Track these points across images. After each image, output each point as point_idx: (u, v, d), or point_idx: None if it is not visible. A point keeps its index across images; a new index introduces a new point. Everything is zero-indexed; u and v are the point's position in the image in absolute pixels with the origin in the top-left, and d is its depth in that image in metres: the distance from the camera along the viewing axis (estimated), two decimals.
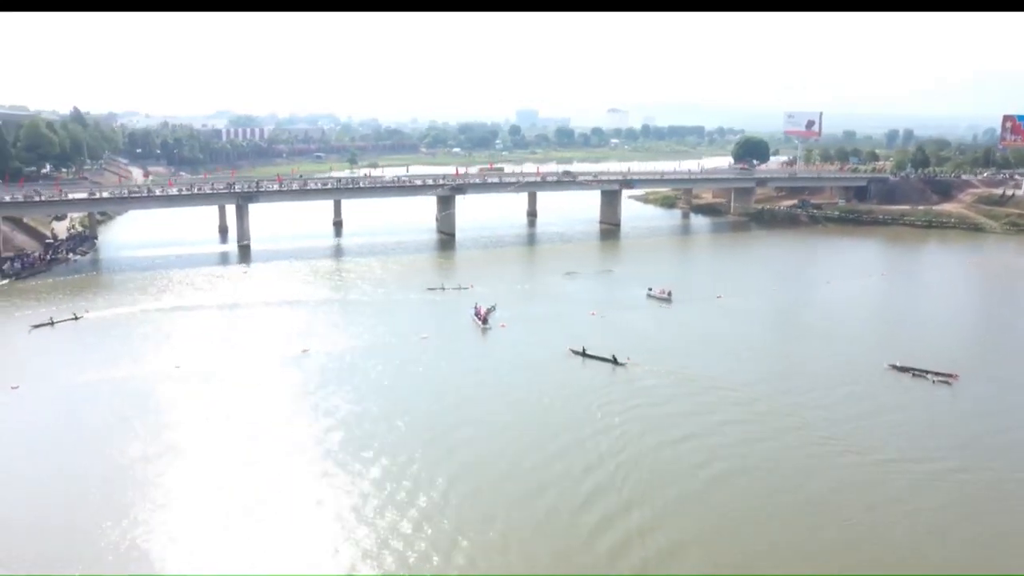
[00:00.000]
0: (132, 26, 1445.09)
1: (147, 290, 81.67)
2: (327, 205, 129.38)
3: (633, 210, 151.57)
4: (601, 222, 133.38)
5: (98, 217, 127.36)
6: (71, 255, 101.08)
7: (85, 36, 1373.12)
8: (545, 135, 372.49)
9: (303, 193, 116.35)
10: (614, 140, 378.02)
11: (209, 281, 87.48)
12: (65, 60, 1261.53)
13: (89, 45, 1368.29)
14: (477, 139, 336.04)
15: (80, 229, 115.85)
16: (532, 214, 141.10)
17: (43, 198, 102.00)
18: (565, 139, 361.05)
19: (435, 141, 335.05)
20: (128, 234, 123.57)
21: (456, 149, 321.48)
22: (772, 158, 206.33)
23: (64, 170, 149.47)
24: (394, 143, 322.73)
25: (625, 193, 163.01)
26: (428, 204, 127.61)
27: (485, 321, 69.17)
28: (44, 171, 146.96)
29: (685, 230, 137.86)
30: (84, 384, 53.63)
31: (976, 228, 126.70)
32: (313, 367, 57.73)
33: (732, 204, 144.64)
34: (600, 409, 49.64)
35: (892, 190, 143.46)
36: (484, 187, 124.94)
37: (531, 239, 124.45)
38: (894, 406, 51.06)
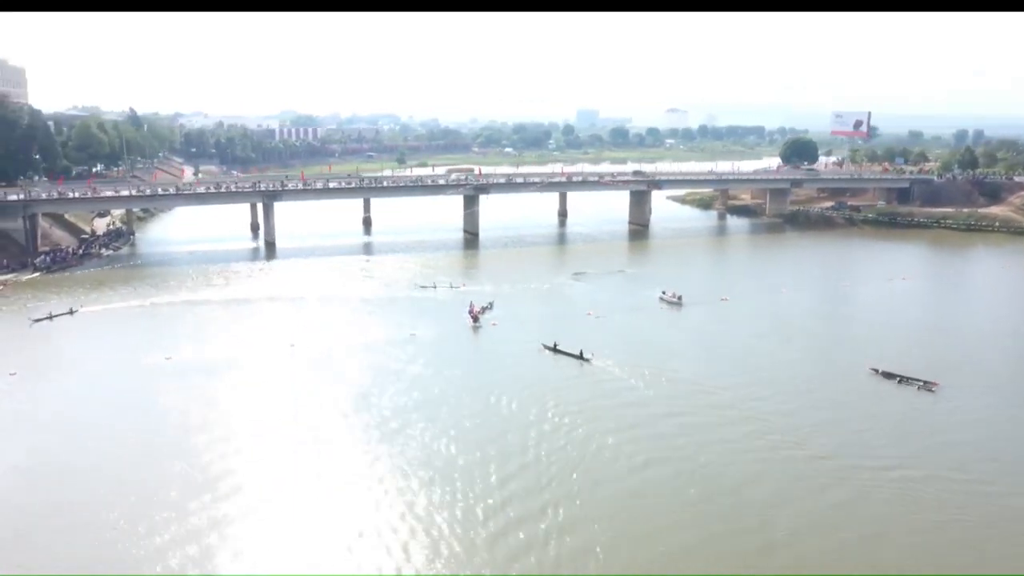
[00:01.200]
0: (203, 28, 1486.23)
1: (159, 285, 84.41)
2: (359, 204, 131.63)
3: (669, 211, 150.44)
4: (630, 223, 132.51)
5: (139, 214, 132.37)
6: (104, 250, 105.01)
7: (160, 38, 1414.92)
8: (599, 135, 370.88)
9: (327, 192, 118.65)
10: (669, 140, 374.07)
11: (224, 277, 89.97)
12: (141, 62, 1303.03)
13: (163, 47, 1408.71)
14: (530, 139, 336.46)
15: (119, 226, 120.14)
16: (563, 214, 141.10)
17: (75, 195, 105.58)
18: (620, 139, 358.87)
19: (488, 141, 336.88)
20: (166, 231, 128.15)
21: (508, 149, 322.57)
22: (823, 158, 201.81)
23: (114, 168, 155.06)
24: (447, 143, 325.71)
25: (664, 194, 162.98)
26: (457, 203, 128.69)
27: (476, 319, 69.63)
28: (95, 169, 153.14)
29: (716, 231, 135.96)
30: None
31: (1021, 232, 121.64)
32: (302, 360, 59.14)
33: (767, 205, 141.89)
34: (544, 400, 50.74)
35: (937, 192, 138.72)
36: (507, 187, 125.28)
37: (556, 239, 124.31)
38: (861, 411, 49.78)
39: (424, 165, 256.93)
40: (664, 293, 78.40)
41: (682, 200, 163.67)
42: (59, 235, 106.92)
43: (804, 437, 45.70)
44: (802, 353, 62.62)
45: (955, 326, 71.87)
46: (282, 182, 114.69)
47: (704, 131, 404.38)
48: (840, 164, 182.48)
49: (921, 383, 53.86)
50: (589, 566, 33.33)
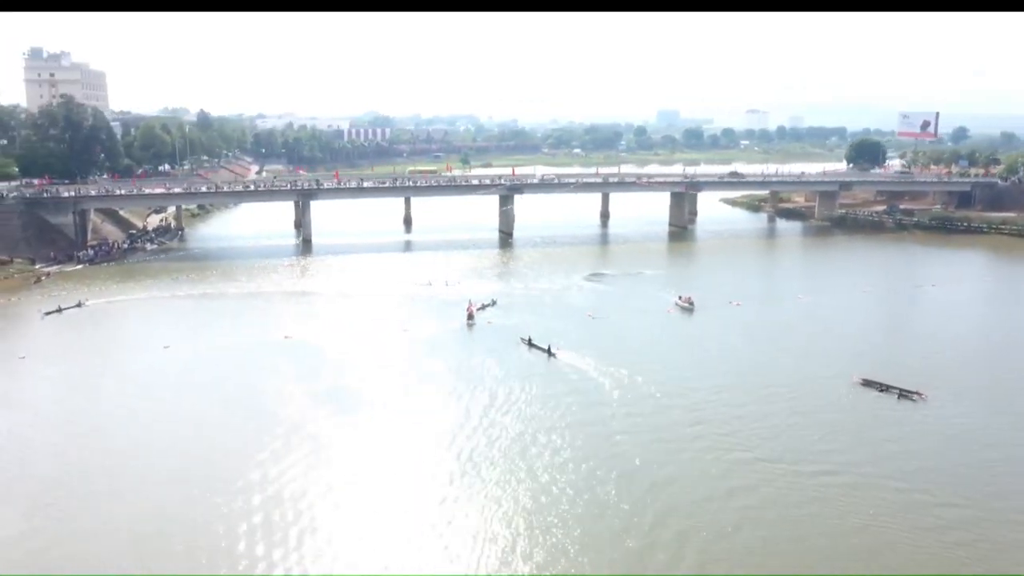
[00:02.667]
0: (296, 30, 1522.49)
1: (183, 279, 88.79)
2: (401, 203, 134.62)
3: (717, 213, 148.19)
4: (670, 225, 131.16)
5: (194, 211, 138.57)
6: (149, 245, 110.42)
7: (256, 41, 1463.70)
8: (672, 136, 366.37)
9: (360, 191, 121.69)
10: (744, 142, 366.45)
11: (248, 272, 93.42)
12: (238, 66, 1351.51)
13: (261, 50, 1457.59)
14: (600, 140, 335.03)
15: (171, 222, 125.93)
16: (605, 215, 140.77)
17: (122, 192, 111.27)
18: (693, 140, 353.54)
19: (558, 142, 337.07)
20: (216, 227, 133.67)
21: (577, 150, 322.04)
22: (893, 161, 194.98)
23: (177, 167, 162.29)
24: (516, 143, 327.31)
25: (717, 196, 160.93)
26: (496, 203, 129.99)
27: (471, 317, 70.64)
28: (162, 168, 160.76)
29: (759, 234, 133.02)
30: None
31: None
32: (296, 352, 61.19)
33: (816, 208, 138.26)
34: (493, 389, 52.88)
35: (1000, 196, 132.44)
36: (541, 187, 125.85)
37: (591, 240, 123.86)
38: (823, 418, 48.57)
39: (488, 166, 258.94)
40: (680, 298, 77.53)
41: (733, 202, 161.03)
42: (109, 230, 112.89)
43: (749, 440, 45.33)
44: (793, 360, 60.88)
45: (963, 334, 68.87)
46: (317, 181, 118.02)
47: (783, 132, 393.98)
48: (908, 167, 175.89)
49: (900, 392, 52.29)
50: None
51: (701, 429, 46.96)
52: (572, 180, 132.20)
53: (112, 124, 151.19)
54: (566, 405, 50.45)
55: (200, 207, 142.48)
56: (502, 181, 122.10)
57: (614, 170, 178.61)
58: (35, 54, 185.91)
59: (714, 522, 36.65)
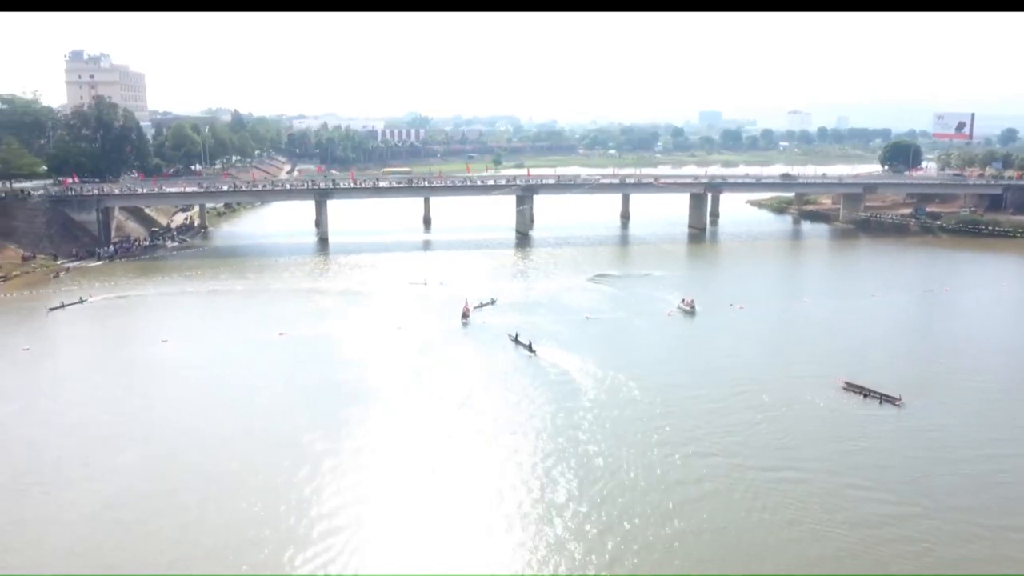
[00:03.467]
0: (335, 30, 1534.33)
1: (190, 275, 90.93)
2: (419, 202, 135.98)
3: (740, 215, 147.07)
4: (689, 226, 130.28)
5: (220, 209, 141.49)
6: (170, 242, 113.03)
7: (297, 41, 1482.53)
8: (709, 137, 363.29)
9: (376, 191, 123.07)
10: (784, 143, 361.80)
11: (257, 270, 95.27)
12: (280, 67, 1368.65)
13: (300, 50, 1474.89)
14: (636, 141, 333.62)
15: (195, 220, 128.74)
16: (625, 216, 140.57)
17: (143, 191, 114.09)
18: (731, 142, 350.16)
19: (593, 142, 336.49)
20: (239, 225, 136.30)
21: (611, 151, 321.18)
22: (930, 163, 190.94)
23: (209, 167, 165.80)
24: (551, 144, 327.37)
25: (744, 198, 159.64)
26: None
27: (465, 316, 71.21)
28: (194, 168, 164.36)
29: (779, 236, 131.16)
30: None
31: None
32: (287, 349, 62.50)
33: (840, 210, 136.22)
34: (469, 386, 53.90)
35: None
36: (556, 188, 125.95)
37: (607, 240, 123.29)
38: (790, 419, 48.12)
39: (520, 166, 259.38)
40: (683, 301, 77.07)
41: (759, 204, 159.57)
42: (133, 227, 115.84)
43: (711, 437, 45.51)
44: (781, 363, 60.25)
45: (964, 340, 67.14)
46: (334, 181, 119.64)
47: (824, 134, 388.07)
48: (942, 169, 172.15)
49: (881, 397, 51.59)
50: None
51: (666, 425, 47.15)
52: (587, 181, 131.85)
53: (145, 125, 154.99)
54: (537, 402, 50.80)
55: (227, 206, 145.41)
56: (517, 182, 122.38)
57: (643, 171, 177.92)
58: (75, 56, 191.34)
59: (645, 513, 36.98)
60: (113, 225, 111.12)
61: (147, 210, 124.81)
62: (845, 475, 41.09)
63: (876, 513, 37.35)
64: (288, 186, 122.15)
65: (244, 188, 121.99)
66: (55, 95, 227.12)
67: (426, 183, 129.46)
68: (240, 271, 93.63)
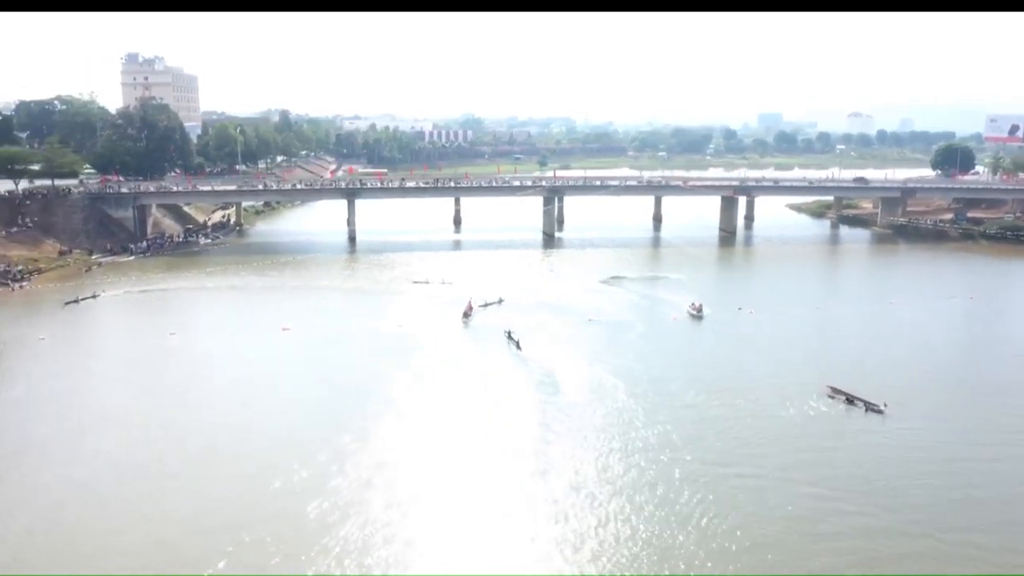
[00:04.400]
0: (394, 31, 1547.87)
1: (213, 271, 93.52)
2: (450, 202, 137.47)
3: (778, 218, 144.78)
4: (720, 229, 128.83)
5: (258, 208, 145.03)
6: (204, 239, 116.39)
7: (355, 42, 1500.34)
8: (763, 140, 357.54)
9: (402, 191, 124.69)
10: (840, 146, 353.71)
11: (279, 267, 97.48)
12: (336, 67, 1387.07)
13: (358, 51, 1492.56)
14: (687, 143, 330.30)
15: (233, 218, 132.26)
16: (657, 219, 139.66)
17: (177, 189, 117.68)
18: (785, 144, 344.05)
19: (643, 144, 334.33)
20: (274, 224, 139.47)
21: (661, 153, 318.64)
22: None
23: (252, 166, 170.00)
24: (601, 146, 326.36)
25: (783, 201, 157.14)
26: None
27: (466, 315, 71.90)
28: (239, 167, 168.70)
29: (813, 240, 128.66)
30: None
31: None
32: (295, 344, 63.91)
33: (879, 215, 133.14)
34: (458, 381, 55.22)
35: None
36: (583, 189, 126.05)
37: (634, 242, 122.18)
38: (772, 424, 47.56)
39: (566, 168, 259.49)
40: (692, 305, 76.40)
41: (798, 208, 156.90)
42: (169, 224, 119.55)
43: (677, 437, 45.43)
44: (774, 368, 59.31)
45: (970, 349, 65.55)
46: (361, 181, 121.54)
47: (883, 137, 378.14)
48: (996, 174, 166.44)
49: (865, 404, 50.61)
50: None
51: (634, 425, 47.15)
52: (615, 183, 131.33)
53: (191, 126, 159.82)
54: (511, 400, 51.49)
55: (266, 204, 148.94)
56: (543, 183, 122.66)
57: (676, 173, 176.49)
58: (131, 59, 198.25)
59: (584, 515, 37.23)
60: (150, 222, 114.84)
61: (185, 208, 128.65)
62: (799, 477, 40.77)
63: (830, 521, 37.04)
64: (318, 185, 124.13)
65: (274, 187, 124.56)
66: (112, 96, 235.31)
67: (452, 183, 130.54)
68: (261, 268, 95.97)
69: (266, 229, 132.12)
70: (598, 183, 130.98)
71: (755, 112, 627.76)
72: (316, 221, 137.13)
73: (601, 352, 61.73)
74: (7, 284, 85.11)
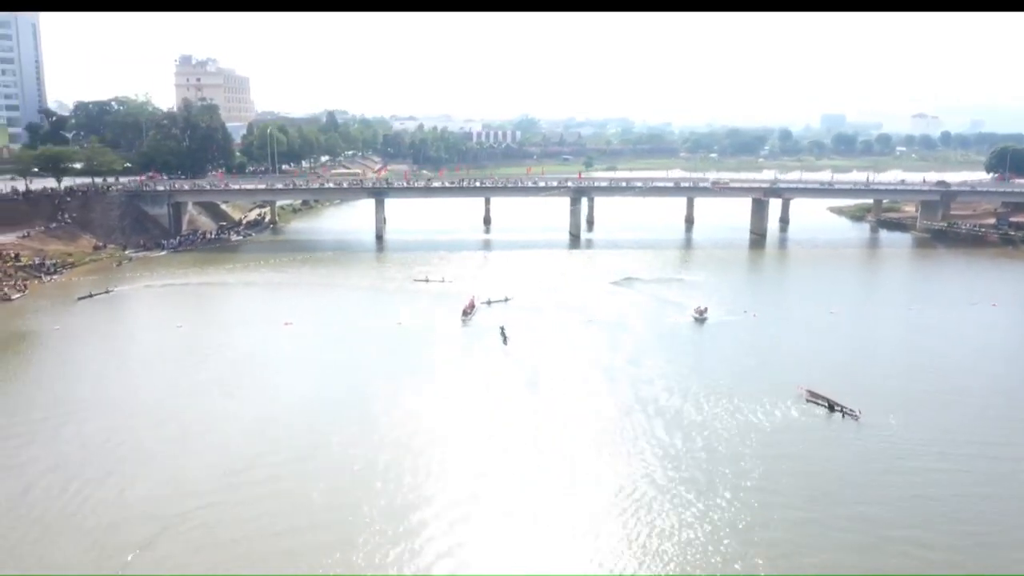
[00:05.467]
0: (452, 31, 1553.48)
1: (234, 267, 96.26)
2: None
3: (815, 221, 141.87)
4: (751, 232, 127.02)
5: (296, 207, 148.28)
6: (235, 236, 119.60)
7: (415, 43, 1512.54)
8: (819, 141, 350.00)
9: (427, 191, 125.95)
10: (901, 148, 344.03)
11: (298, 264, 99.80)
12: (394, 68, 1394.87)
13: (417, 51, 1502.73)
14: (740, 144, 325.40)
15: (267, 216, 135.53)
16: (689, 220, 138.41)
17: (210, 187, 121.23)
18: (842, 146, 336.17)
19: (696, 146, 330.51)
20: (308, 223, 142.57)
21: (713, 155, 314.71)
22: None
23: (294, 165, 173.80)
24: (652, 147, 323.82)
25: (824, 204, 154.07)
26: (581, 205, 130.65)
27: (465, 313, 72.62)
28: (284, 167, 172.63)
29: (847, 244, 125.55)
30: None
31: None
32: (300, 337, 65.81)
33: (918, 219, 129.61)
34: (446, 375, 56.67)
35: None
36: (608, 190, 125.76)
37: (661, 244, 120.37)
38: (736, 427, 47.03)
39: (612, 169, 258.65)
40: (696, 308, 75.61)
41: (839, 211, 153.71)
42: (203, 221, 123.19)
43: (632, 439, 45.49)
44: (758, 372, 58.08)
45: (975, 356, 63.37)
46: (387, 181, 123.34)
47: (947, 138, 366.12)
48: None
49: (842, 409, 49.78)
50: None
51: (596, 422, 47.77)
52: (640, 184, 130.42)
53: (235, 126, 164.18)
54: (489, 395, 52.53)
55: (304, 203, 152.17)
56: (568, 184, 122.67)
57: (708, 174, 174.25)
58: (184, 61, 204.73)
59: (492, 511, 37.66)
60: (185, 219, 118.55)
61: (223, 206, 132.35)
62: (749, 479, 40.53)
63: (766, 520, 36.94)
64: (345, 184, 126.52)
65: (303, 186, 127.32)
66: (167, 97, 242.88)
67: (477, 183, 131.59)
68: (281, 265, 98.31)
69: (299, 227, 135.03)
70: (623, 184, 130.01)
71: (818, 113, 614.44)
72: (352, 220, 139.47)
73: (589, 352, 62.04)
74: (39, 276, 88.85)
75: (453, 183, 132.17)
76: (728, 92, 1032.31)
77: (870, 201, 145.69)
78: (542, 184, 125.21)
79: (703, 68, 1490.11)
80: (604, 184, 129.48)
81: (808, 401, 51.56)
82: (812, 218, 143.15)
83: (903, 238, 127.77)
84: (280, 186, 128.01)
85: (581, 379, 55.58)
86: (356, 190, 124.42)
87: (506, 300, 78.13)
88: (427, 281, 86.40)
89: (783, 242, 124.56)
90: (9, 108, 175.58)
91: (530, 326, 69.01)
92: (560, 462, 42.72)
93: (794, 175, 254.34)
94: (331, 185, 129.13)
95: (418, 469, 41.67)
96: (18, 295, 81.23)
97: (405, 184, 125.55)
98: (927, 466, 43.05)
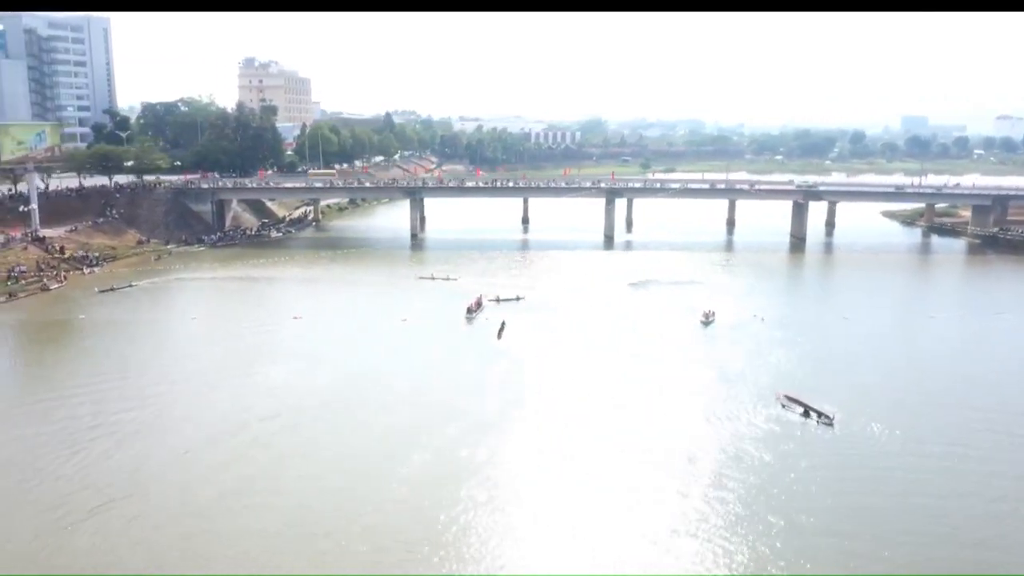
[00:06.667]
0: (521, 32, 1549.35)
1: (262, 263, 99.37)
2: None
3: (867, 224, 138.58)
4: (791, 235, 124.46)
5: (342, 205, 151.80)
6: (275, 233, 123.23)
7: (488, 43, 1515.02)
8: (892, 143, 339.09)
9: (461, 190, 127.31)
10: (979, 151, 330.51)
11: (326, 260, 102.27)
12: (468, 70, 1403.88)
13: (493, 52, 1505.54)
14: (808, 146, 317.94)
15: (312, 214, 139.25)
16: (731, 223, 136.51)
17: (252, 185, 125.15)
18: (916, 148, 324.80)
19: (761, 148, 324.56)
20: (350, 221, 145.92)
21: (778, 157, 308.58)
22: None
23: (346, 165, 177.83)
24: (715, 149, 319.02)
25: (876, 208, 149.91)
26: (620, 206, 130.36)
27: (470, 311, 73.48)
28: (336, 166, 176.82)
29: (891, 249, 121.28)
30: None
31: None
32: (303, 331, 67.34)
33: (969, 224, 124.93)
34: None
35: None
36: (642, 191, 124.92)
37: (694, 246, 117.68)
38: (700, 430, 46.66)
39: (671, 171, 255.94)
40: (703, 312, 74.77)
41: (891, 215, 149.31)
42: (247, 218, 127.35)
43: (589, 436, 45.77)
44: (742, 376, 56.87)
45: (979, 367, 60.90)
46: (423, 181, 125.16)
47: None
48: None
49: (818, 413, 48.87)
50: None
51: (561, 418, 48.32)
52: (676, 186, 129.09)
53: (287, 126, 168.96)
54: (471, 390, 53.34)
55: (351, 202, 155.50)
56: (601, 185, 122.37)
57: (751, 176, 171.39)
58: (248, 63, 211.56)
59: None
60: (229, 216, 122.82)
61: (269, 203, 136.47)
62: (698, 480, 40.62)
63: (699, 520, 36.99)
64: (382, 184, 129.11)
65: (340, 185, 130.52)
66: (230, 97, 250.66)
67: (510, 184, 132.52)
68: (310, 261, 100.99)
69: (340, 225, 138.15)
70: (658, 185, 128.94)
71: (898, 115, 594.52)
72: (395, 219, 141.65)
73: (581, 350, 62.28)
74: (81, 269, 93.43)
75: (487, 183, 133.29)
76: (805, 93, 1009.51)
77: (922, 206, 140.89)
78: (575, 186, 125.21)
79: (780, 69, 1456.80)
80: (638, 185, 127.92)
81: (784, 406, 50.73)
82: (863, 222, 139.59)
83: (952, 243, 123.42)
84: (318, 185, 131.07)
85: (555, 376, 55.96)
86: (391, 189, 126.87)
87: (517, 299, 78.75)
88: (432, 279, 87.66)
89: (823, 246, 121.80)
90: (81, 109, 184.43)
91: (533, 324, 69.58)
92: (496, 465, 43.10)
93: (865, 177, 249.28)
94: (367, 184, 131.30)
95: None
96: (56, 285, 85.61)
97: (439, 184, 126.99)
98: (888, 465, 42.16)
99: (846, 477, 41.62)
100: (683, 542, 35.11)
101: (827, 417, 48.60)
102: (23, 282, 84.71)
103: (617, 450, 43.93)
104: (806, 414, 49.56)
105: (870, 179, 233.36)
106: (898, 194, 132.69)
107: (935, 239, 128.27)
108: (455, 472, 40.69)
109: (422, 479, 39.90)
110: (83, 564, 32.92)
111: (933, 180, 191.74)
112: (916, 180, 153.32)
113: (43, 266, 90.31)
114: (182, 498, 38.22)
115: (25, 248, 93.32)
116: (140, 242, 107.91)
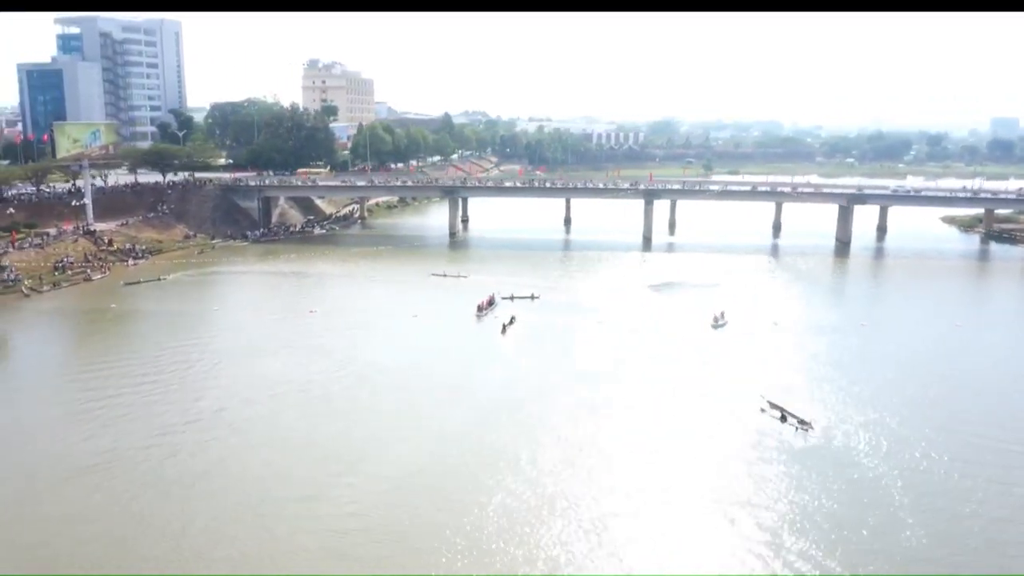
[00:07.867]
0: (596, 33, 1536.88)
1: (293, 258, 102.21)
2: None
3: (923, 230, 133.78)
4: (837, 239, 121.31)
5: (391, 203, 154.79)
6: (318, 230, 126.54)
7: (561, 45, 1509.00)
8: (973, 147, 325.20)
9: (501, 190, 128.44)
10: None
11: (355, 257, 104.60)
12: (540, 71, 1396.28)
13: (563, 53, 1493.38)
14: (882, 149, 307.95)
15: (356, 212, 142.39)
16: (776, 226, 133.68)
17: (297, 183, 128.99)
18: (999, 152, 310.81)
19: (833, 150, 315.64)
20: (396, 219, 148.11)
21: (850, 160, 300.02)
22: None
23: (399, 164, 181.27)
24: (786, 151, 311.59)
25: (938, 213, 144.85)
26: (662, 207, 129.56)
27: (480, 309, 74.38)
28: (391, 165, 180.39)
29: (942, 255, 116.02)
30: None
31: None
32: (315, 325, 69.81)
33: None
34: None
35: None
36: (680, 193, 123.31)
37: (732, 248, 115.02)
38: (675, 432, 46.78)
39: (735, 173, 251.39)
40: (714, 317, 73.56)
41: (950, 221, 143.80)
42: (294, 215, 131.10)
43: (566, 438, 46.31)
44: (732, 382, 56.08)
45: (985, 372, 58.82)
46: (463, 180, 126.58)
47: None
48: None
49: (798, 420, 48.25)
50: None
51: (544, 418, 49.18)
52: (716, 187, 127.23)
53: (342, 126, 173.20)
54: (466, 386, 54.85)
55: (401, 200, 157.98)
56: (640, 186, 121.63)
57: (796, 178, 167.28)
58: (312, 64, 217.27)
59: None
60: (276, 212, 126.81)
61: (317, 201, 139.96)
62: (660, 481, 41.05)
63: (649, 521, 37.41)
64: (420, 183, 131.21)
65: (383, 184, 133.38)
66: (294, 97, 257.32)
67: (548, 184, 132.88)
68: (342, 258, 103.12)
69: (385, 223, 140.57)
70: (698, 187, 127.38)
71: (987, 117, 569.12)
72: (440, 217, 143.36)
73: (578, 350, 62.75)
74: (125, 261, 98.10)
75: (524, 183, 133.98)
76: (888, 95, 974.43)
77: (982, 211, 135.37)
78: (612, 186, 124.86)
79: (864, 70, 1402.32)
80: (676, 187, 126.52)
81: (763, 410, 50.21)
82: (919, 227, 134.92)
83: (1008, 251, 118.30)
84: (361, 183, 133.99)
85: (548, 375, 56.50)
86: (429, 188, 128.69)
87: (532, 297, 79.32)
88: (444, 276, 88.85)
89: (870, 251, 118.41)
90: (153, 109, 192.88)
91: (543, 324, 70.31)
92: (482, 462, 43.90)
93: (947, 182, 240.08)
94: (409, 183, 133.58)
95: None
96: (99, 276, 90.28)
97: (477, 183, 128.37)
98: (855, 475, 41.34)
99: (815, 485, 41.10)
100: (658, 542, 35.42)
101: (806, 424, 47.96)
102: (69, 272, 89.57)
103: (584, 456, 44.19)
104: (783, 419, 48.98)
105: (949, 183, 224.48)
106: (951, 199, 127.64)
107: (992, 246, 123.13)
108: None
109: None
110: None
111: (1013, 184, 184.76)
112: (970, 183, 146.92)
113: (90, 257, 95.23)
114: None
115: (76, 241, 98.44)
116: (187, 236, 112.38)
